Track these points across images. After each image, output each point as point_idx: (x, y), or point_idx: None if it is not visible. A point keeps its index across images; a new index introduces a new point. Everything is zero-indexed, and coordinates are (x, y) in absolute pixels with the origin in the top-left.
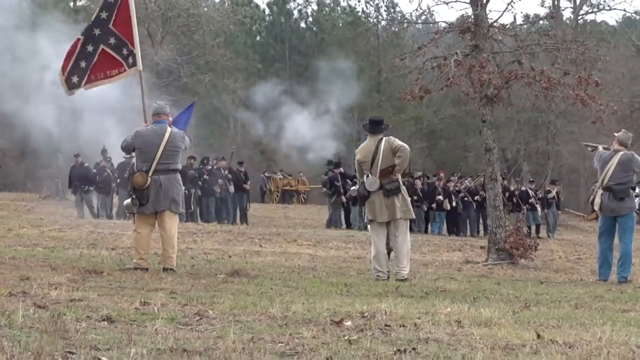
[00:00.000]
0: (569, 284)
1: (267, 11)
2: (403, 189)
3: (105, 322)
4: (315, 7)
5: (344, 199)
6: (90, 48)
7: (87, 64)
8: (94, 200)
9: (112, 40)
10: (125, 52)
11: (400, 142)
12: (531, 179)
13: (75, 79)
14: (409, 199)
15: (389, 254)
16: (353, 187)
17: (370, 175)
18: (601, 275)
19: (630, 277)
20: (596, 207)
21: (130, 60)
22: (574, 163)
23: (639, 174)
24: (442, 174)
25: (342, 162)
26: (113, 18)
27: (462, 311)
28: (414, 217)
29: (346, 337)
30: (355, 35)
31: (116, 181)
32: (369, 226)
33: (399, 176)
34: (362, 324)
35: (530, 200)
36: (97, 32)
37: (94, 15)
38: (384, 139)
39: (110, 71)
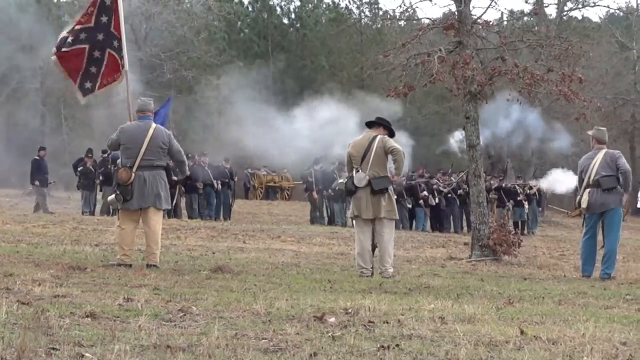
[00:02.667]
0: (552, 280)
1: (250, 8)
2: (390, 189)
3: (89, 319)
4: (297, 4)
5: (315, 194)
6: (97, 54)
7: (98, 69)
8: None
9: (115, 43)
10: (122, 53)
11: (394, 144)
12: (519, 175)
13: (88, 85)
14: (394, 200)
15: (373, 250)
16: (340, 181)
17: (360, 171)
18: (585, 272)
19: (614, 274)
20: (584, 205)
21: (123, 61)
22: (557, 160)
23: (623, 174)
24: (421, 171)
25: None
26: (112, 21)
27: (446, 307)
28: (398, 217)
29: (330, 334)
30: (338, 32)
31: (99, 178)
32: (353, 222)
33: (393, 178)
34: (346, 320)
35: (518, 198)
36: (100, 36)
37: (93, 20)
38: (379, 137)
39: (115, 74)
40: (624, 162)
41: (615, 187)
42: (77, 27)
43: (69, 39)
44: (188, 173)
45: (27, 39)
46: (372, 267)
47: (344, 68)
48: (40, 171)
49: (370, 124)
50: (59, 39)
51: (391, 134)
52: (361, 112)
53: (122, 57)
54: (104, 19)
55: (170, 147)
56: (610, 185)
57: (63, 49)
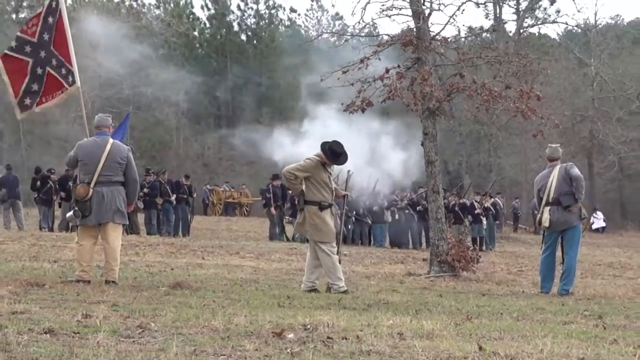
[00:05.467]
0: (510, 296)
1: (207, 24)
2: (309, 209)
3: (47, 335)
4: (254, 20)
5: (273, 210)
6: (39, 71)
7: (39, 86)
8: (22, 212)
9: (54, 62)
10: (64, 71)
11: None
12: (478, 191)
13: (27, 101)
14: (312, 222)
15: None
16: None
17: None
18: (543, 288)
19: (572, 290)
20: (546, 224)
21: (70, 78)
22: (515, 176)
23: (575, 181)
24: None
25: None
26: (53, 39)
27: (405, 323)
28: (315, 239)
29: (288, 350)
30: (296, 48)
31: (58, 194)
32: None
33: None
34: (305, 337)
35: (476, 212)
36: (42, 54)
37: (37, 36)
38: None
39: (55, 92)
40: (576, 171)
41: (576, 203)
42: (23, 35)
43: (14, 44)
44: (137, 194)
45: None
46: (312, 282)
47: (301, 84)
48: (7, 188)
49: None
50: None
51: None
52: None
53: (66, 76)
54: (46, 36)
55: (128, 164)
56: (571, 202)
57: (6, 52)
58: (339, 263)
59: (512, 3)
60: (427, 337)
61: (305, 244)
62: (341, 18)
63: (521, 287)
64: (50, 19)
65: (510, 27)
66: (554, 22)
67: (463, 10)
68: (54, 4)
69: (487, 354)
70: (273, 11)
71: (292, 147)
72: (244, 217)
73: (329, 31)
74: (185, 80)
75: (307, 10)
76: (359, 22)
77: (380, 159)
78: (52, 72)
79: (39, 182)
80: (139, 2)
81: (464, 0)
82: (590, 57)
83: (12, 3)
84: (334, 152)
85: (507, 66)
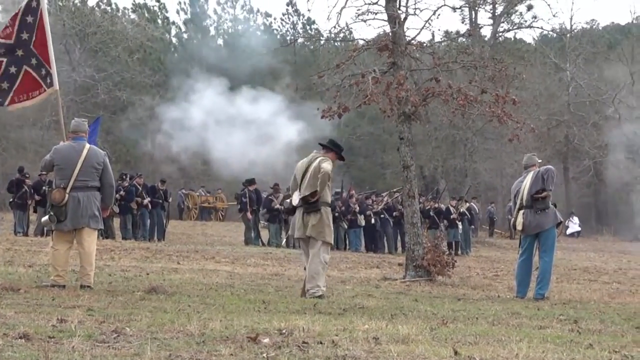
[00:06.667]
0: (486, 300)
1: (183, 28)
2: (324, 210)
3: (22, 340)
4: (230, 24)
5: (249, 215)
6: (13, 69)
7: (10, 85)
8: None
9: (33, 61)
10: (43, 72)
11: (324, 165)
12: (453, 196)
13: None
14: (328, 222)
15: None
16: (287, 200)
17: (296, 192)
18: (519, 293)
19: (548, 294)
20: (519, 228)
21: (48, 80)
22: (491, 180)
23: (545, 173)
24: (352, 191)
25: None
26: (33, 38)
27: (380, 328)
28: (328, 240)
29: (264, 354)
30: (272, 52)
31: (33, 198)
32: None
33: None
34: (280, 341)
35: (451, 217)
36: (19, 53)
37: (13, 37)
38: (319, 157)
39: (32, 92)
40: (547, 167)
41: (549, 207)
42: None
43: None
44: (114, 199)
45: None
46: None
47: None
48: None
49: (321, 146)
50: None
51: (341, 158)
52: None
53: (45, 77)
54: (25, 35)
55: (104, 169)
56: (542, 206)
57: None
58: None
59: (487, 8)
60: (402, 341)
61: (281, 249)
62: (313, 22)
63: (497, 291)
64: (30, 18)
65: (486, 31)
66: (529, 26)
67: (439, 14)
68: (33, 3)
69: (463, 358)
70: (250, 15)
71: None
72: (220, 221)
73: (304, 36)
74: (160, 85)
75: (283, 15)
76: (334, 27)
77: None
78: (30, 71)
79: (16, 188)
80: (113, 6)
81: (440, 4)
82: (565, 61)
83: None
84: (341, 147)
85: (482, 71)
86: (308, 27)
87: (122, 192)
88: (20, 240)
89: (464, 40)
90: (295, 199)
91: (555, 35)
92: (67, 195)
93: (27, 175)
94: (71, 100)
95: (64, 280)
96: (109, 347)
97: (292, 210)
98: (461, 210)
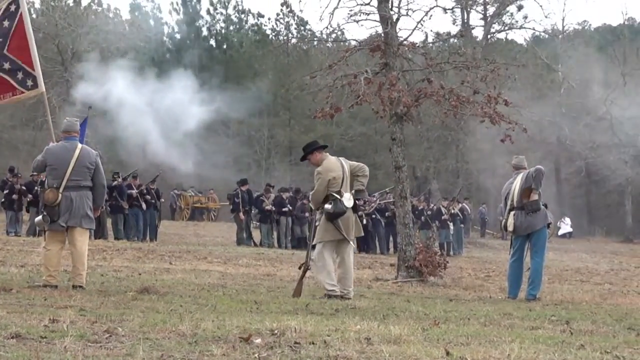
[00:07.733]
0: (478, 301)
1: (176, 28)
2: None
3: (14, 340)
4: (223, 25)
5: (241, 215)
6: None
7: None
8: None
9: (6, 66)
10: (20, 76)
11: (355, 162)
12: (445, 197)
13: None
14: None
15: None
16: (327, 205)
17: (346, 193)
18: (510, 293)
19: (539, 295)
20: (510, 229)
21: (29, 83)
22: (483, 181)
23: (534, 172)
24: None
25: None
26: (7, 43)
27: (372, 328)
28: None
29: (256, 355)
30: (265, 53)
31: (25, 197)
32: (321, 245)
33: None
34: (272, 342)
35: (442, 218)
36: None
37: None
38: (341, 159)
39: (4, 95)
40: (537, 167)
41: (540, 208)
42: None
43: None
44: (104, 199)
45: None
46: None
47: (270, 90)
48: None
49: (325, 149)
50: None
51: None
52: None
53: (23, 80)
54: None
55: (96, 169)
56: (533, 207)
57: None
58: (308, 269)
59: (479, 9)
60: (394, 342)
61: (273, 249)
62: (307, 23)
63: (489, 292)
64: (6, 23)
65: (478, 32)
66: (521, 27)
67: (431, 15)
68: (12, 7)
69: (455, 359)
70: (242, 16)
71: None
72: (212, 221)
73: (297, 37)
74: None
75: (277, 16)
76: (326, 28)
77: None
78: (1, 75)
79: (6, 188)
80: (106, 6)
81: (432, 5)
82: (557, 62)
83: None
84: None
85: (474, 71)
86: (302, 28)
87: (114, 193)
88: (13, 240)
89: (455, 41)
90: (349, 200)
91: (547, 36)
92: (60, 195)
93: (19, 175)
94: (64, 100)
95: (56, 281)
96: (101, 347)
97: (342, 213)
98: (453, 211)
